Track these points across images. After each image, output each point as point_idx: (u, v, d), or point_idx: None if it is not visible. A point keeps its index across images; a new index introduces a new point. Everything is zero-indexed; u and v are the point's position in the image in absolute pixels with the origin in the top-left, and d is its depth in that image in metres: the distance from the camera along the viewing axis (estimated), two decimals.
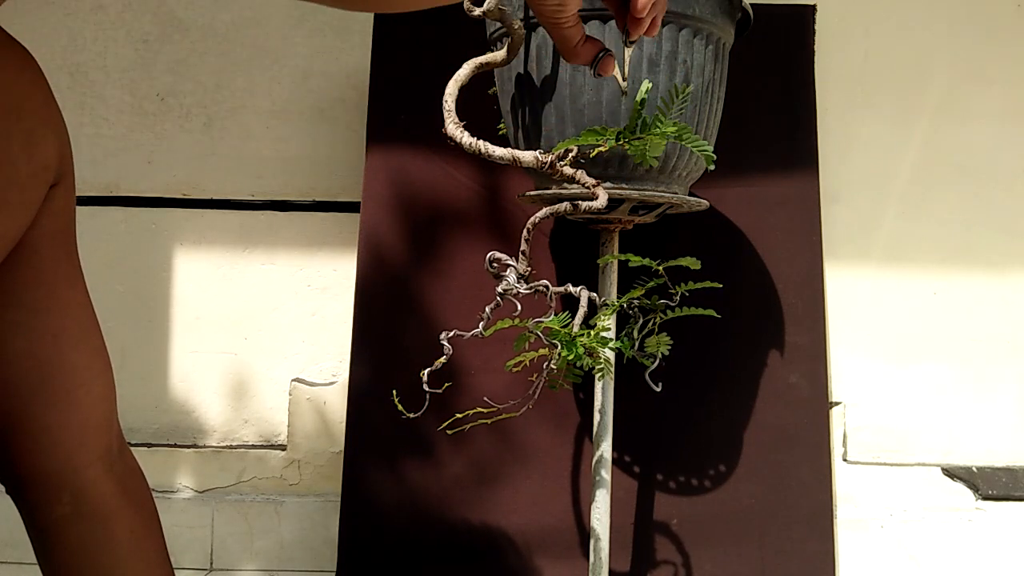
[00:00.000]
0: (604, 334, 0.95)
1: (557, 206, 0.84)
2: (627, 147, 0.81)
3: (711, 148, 1.11)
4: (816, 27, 1.46)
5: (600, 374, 1.05)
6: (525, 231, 0.83)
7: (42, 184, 0.70)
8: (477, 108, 1.17)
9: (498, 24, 1.04)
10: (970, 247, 1.47)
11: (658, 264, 1.03)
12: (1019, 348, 1.46)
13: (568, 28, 0.62)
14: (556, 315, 0.87)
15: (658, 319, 1.10)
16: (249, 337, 1.51)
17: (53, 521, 0.77)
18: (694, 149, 0.87)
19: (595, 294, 0.93)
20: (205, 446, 1.51)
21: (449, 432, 1.11)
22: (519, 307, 0.85)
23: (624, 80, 0.76)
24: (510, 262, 0.83)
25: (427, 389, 0.86)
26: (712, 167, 0.93)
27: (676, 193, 1.08)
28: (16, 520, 0.78)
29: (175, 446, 1.50)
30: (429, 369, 0.85)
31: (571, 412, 1.37)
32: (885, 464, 1.45)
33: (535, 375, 0.91)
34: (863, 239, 1.47)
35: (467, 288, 1.38)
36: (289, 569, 1.46)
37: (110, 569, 0.79)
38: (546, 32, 0.64)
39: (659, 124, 0.82)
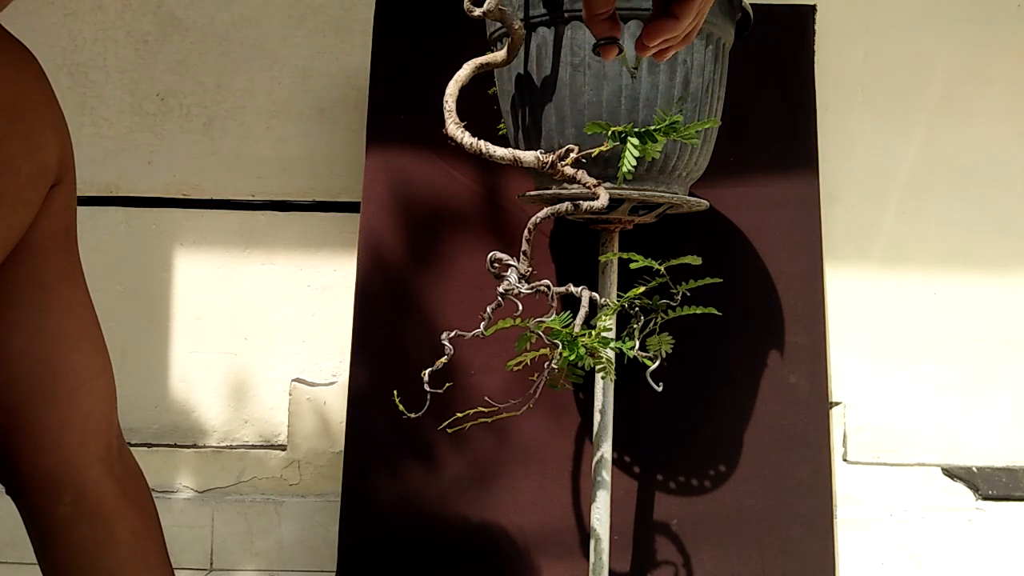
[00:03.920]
0: (605, 334, 0.94)
1: (558, 206, 0.84)
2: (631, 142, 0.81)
3: (711, 145, 1.10)
4: (816, 27, 1.46)
5: (602, 374, 1.05)
6: (526, 231, 0.83)
7: (42, 184, 0.70)
8: (477, 108, 1.17)
9: (498, 24, 1.04)
10: (970, 247, 1.47)
11: (660, 264, 1.03)
12: (1019, 348, 1.46)
13: None
14: (557, 315, 0.87)
15: (659, 319, 1.10)
16: (249, 337, 1.51)
17: (54, 521, 0.77)
18: (698, 128, 0.87)
19: (596, 294, 0.92)
20: (205, 446, 1.51)
21: (449, 432, 1.10)
22: (520, 307, 0.85)
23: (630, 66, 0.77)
24: (511, 262, 0.83)
25: (428, 389, 0.86)
26: (719, 123, 0.93)
27: (676, 193, 1.08)
28: (16, 520, 0.78)
29: (175, 446, 1.50)
30: (430, 369, 0.85)
31: (571, 412, 1.37)
32: (885, 464, 1.45)
33: (535, 375, 0.90)
34: (863, 239, 1.47)
35: (467, 288, 1.38)
36: (289, 569, 1.46)
37: (110, 569, 0.79)
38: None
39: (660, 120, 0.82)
